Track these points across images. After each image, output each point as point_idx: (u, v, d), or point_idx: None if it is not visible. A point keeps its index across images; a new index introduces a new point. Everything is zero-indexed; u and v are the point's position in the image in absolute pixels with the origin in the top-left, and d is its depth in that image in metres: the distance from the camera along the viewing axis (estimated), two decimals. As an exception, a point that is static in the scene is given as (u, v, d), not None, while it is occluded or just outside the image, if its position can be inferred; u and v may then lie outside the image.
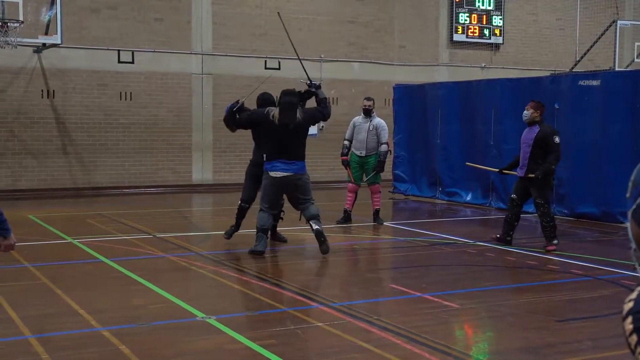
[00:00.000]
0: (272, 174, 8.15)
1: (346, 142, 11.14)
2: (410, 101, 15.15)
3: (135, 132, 16.43)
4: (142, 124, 16.45)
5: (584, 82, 11.47)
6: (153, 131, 16.50)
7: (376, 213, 11.06)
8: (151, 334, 5.30)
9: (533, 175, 8.63)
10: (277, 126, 8.09)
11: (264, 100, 9.00)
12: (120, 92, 16.21)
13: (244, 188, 9.17)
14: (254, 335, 5.15)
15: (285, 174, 8.14)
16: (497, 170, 9.68)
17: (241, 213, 9.08)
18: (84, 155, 16.00)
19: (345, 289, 7.02)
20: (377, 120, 10.97)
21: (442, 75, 19.34)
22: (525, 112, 8.86)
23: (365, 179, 11.09)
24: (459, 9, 19.75)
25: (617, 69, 16.63)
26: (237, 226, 9.17)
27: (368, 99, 11.15)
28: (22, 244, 8.84)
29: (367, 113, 10.98)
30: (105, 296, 6.43)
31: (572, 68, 17.75)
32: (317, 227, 8.23)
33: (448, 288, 6.77)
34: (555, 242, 8.76)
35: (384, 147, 10.83)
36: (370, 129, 10.89)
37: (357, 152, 10.99)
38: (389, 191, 15.45)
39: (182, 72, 16.81)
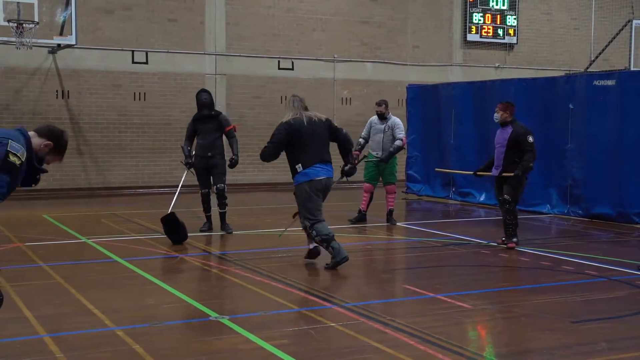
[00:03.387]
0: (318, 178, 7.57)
1: (361, 140, 11.20)
2: (424, 101, 15.11)
3: (149, 132, 16.50)
4: (155, 124, 16.52)
5: (599, 82, 11.40)
6: (167, 131, 16.55)
7: (389, 213, 11.05)
8: (165, 334, 5.32)
9: (512, 174, 8.63)
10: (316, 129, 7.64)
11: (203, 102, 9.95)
12: (134, 93, 16.28)
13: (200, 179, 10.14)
14: (267, 335, 5.15)
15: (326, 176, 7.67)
16: (472, 172, 9.71)
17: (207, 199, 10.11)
18: (98, 155, 16.08)
19: (359, 290, 7.01)
20: (392, 120, 10.97)
21: (456, 75, 19.29)
22: (495, 114, 8.92)
23: (381, 180, 11.11)
24: (473, 9, 19.69)
25: (632, 68, 16.52)
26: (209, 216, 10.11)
27: (379, 104, 11.08)
28: (36, 243, 8.91)
29: (381, 117, 11.00)
30: (119, 296, 6.46)
31: (587, 68, 17.65)
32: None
33: (461, 289, 6.75)
34: (515, 239, 8.82)
35: (398, 142, 10.83)
36: (386, 129, 10.92)
37: (374, 153, 11.03)
38: (403, 191, 15.42)
39: (196, 73, 16.86)
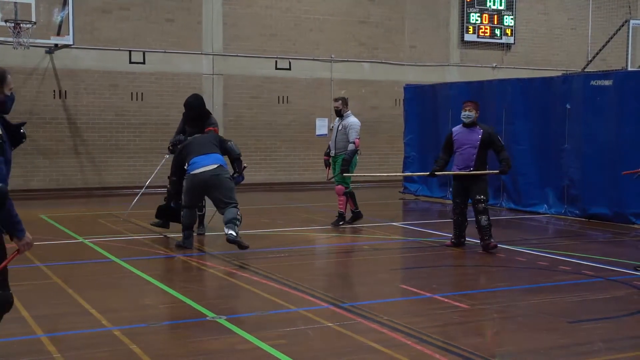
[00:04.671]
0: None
1: (330, 143, 11.05)
2: (421, 101, 15.12)
3: (146, 132, 16.48)
4: (153, 124, 16.50)
5: (596, 82, 11.41)
6: (164, 132, 16.51)
7: (339, 216, 10.75)
8: (162, 334, 5.32)
9: (497, 172, 8.69)
10: None
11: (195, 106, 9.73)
12: (132, 93, 16.27)
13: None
14: (264, 335, 5.15)
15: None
16: (428, 174, 9.45)
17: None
18: (96, 155, 16.07)
19: (356, 289, 7.01)
20: (347, 120, 10.69)
21: (453, 75, 19.30)
22: (468, 113, 8.70)
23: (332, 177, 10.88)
24: (470, 9, 19.70)
25: (629, 68, 16.53)
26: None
27: (336, 99, 10.99)
28: (33, 243, 8.88)
29: (338, 114, 10.81)
30: (116, 296, 6.46)
31: (584, 68, 17.66)
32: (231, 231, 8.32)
33: (458, 289, 6.75)
34: (492, 238, 8.66)
35: (350, 146, 10.51)
36: (340, 128, 10.71)
37: (330, 152, 10.88)
38: (400, 191, 15.45)
39: (193, 73, 16.85)
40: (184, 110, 9.83)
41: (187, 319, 5.70)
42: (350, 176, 10.55)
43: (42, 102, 15.54)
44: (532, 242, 9.38)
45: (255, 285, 6.87)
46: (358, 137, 10.60)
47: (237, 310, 6.00)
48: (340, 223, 10.73)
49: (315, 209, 13.18)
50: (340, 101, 10.88)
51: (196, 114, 9.68)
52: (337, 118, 10.90)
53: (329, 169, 11.14)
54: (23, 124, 4.21)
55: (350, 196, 10.90)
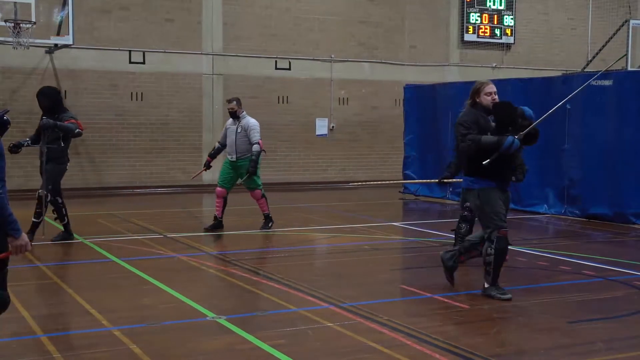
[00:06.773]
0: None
1: (217, 144, 10.66)
2: (421, 101, 15.13)
3: (146, 132, 16.48)
4: (152, 124, 16.50)
5: (596, 82, 11.40)
6: (164, 131, 16.55)
7: (265, 218, 10.43)
8: (161, 334, 5.31)
9: (513, 179, 8.21)
10: None
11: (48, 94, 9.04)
12: (131, 93, 16.27)
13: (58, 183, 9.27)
14: (264, 335, 5.15)
15: None
16: (437, 180, 8.99)
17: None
18: (95, 155, 16.07)
19: (356, 290, 7.00)
20: (246, 121, 10.22)
21: (453, 75, 19.30)
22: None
23: (241, 183, 10.47)
24: (470, 9, 19.70)
25: (629, 68, 16.53)
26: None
27: (229, 101, 10.43)
28: (33, 243, 8.89)
29: (233, 116, 10.29)
30: (116, 296, 6.46)
31: (584, 68, 17.66)
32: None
33: (458, 289, 6.75)
34: None
35: (255, 147, 10.11)
36: (239, 130, 10.18)
37: (229, 157, 10.33)
38: (399, 191, 15.44)
39: (193, 73, 16.85)
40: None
41: (187, 319, 5.70)
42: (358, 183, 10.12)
43: (42, 102, 15.53)
44: (532, 242, 9.37)
45: (255, 285, 6.86)
46: (260, 137, 10.21)
47: (237, 311, 5.99)
48: (270, 224, 10.39)
49: (315, 209, 13.18)
50: (234, 102, 10.31)
51: (49, 101, 9.08)
52: (232, 119, 10.37)
53: (206, 169, 10.74)
54: (6, 111, 4.16)
55: (224, 203, 10.37)
